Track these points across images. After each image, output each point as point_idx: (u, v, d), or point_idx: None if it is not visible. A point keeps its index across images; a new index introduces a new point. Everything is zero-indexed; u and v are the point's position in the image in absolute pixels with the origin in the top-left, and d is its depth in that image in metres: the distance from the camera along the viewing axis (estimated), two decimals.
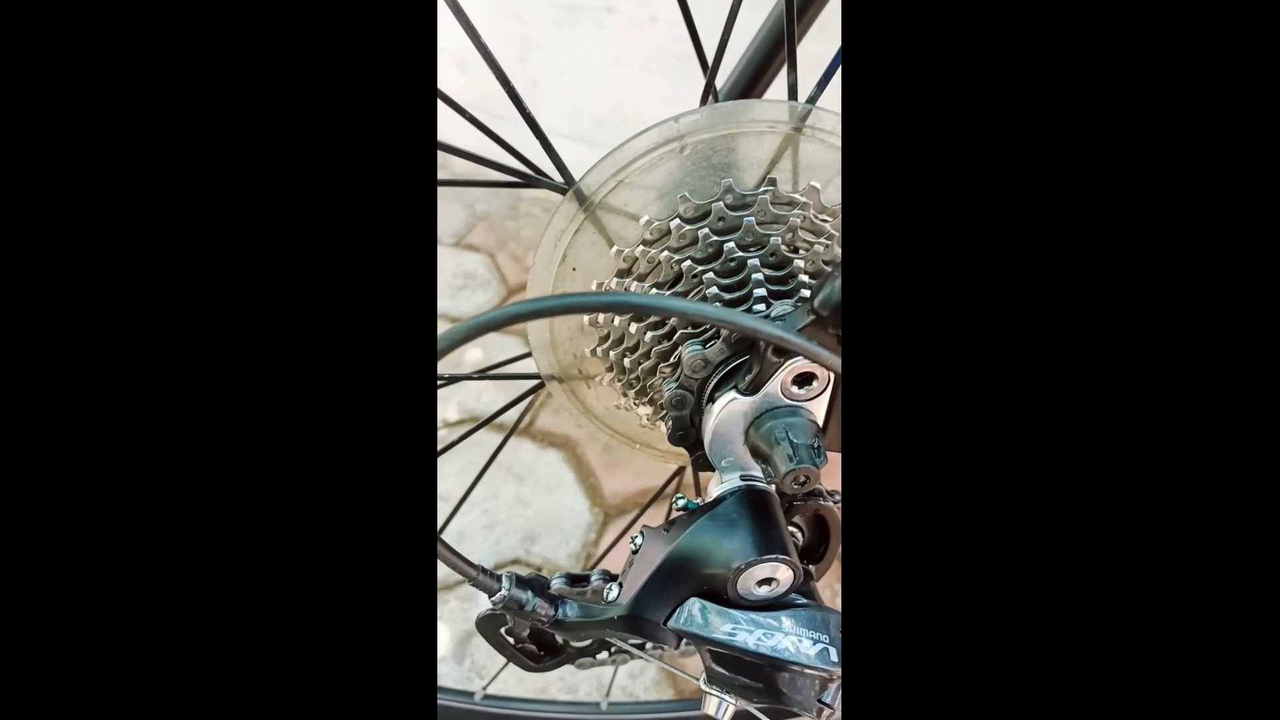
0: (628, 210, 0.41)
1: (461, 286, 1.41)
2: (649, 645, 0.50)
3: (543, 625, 0.38)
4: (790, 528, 0.43)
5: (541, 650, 0.48)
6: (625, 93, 1.34)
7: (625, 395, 0.46)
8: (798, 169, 0.41)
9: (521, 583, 0.38)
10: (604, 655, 0.51)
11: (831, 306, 0.32)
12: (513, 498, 1.04)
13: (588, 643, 0.46)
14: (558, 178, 0.42)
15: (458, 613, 0.92)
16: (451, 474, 1.09)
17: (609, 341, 0.43)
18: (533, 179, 0.44)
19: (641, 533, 0.40)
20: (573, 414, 0.49)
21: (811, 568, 0.45)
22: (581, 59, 1.33)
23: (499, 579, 0.37)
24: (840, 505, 0.43)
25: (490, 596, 0.37)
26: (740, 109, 0.39)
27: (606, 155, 0.40)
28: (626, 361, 0.42)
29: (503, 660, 0.91)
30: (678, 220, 0.40)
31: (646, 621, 0.36)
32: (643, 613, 0.36)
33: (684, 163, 0.40)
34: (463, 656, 0.88)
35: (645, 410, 0.46)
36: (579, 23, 1.31)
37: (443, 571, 0.97)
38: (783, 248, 0.39)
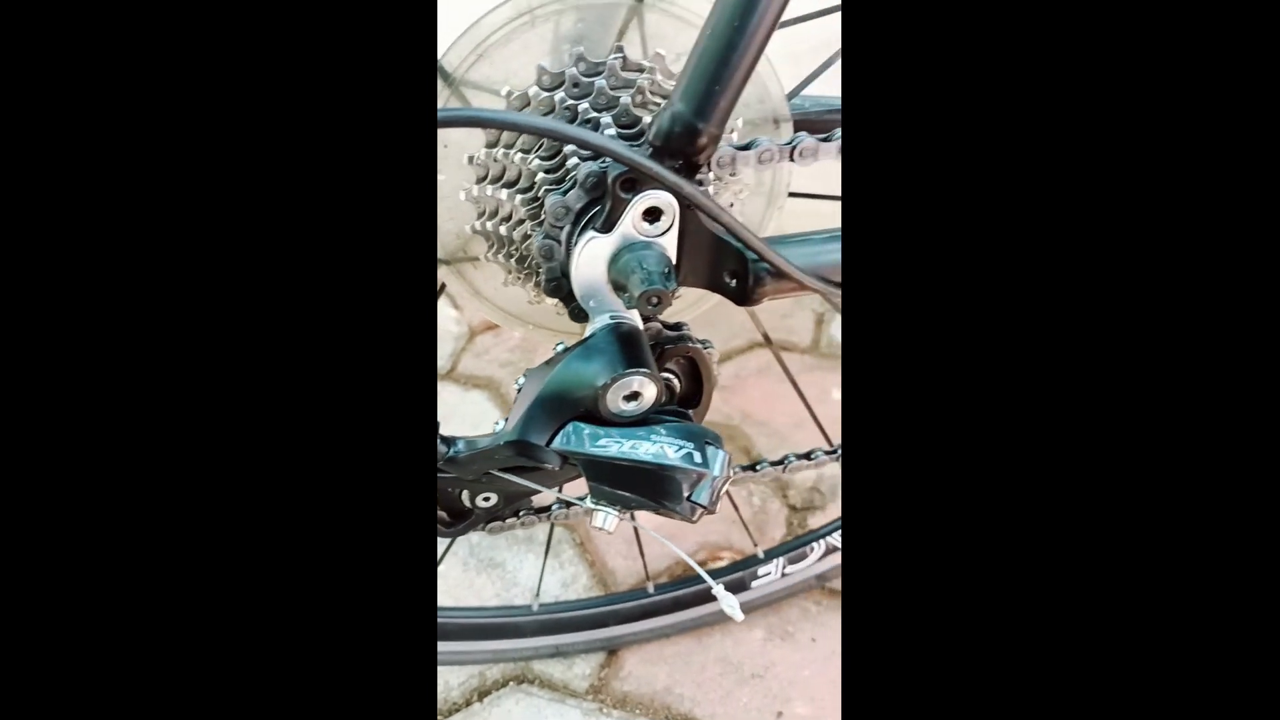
0: (489, 85, 0.44)
1: None
2: (559, 505, 0.54)
3: (439, 466, 0.42)
4: (666, 374, 0.48)
5: (451, 516, 0.51)
6: None
7: (510, 271, 0.49)
8: (645, 38, 0.45)
9: None
10: (513, 520, 0.55)
11: (662, 136, 0.37)
12: None
13: (493, 503, 0.50)
14: None
15: None
16: None
17: (485, 215, 0.46)
18: None
19: (525, 374, 0.44)
20: (461, 298, 0.52)
21: (689, 412, 0.50)
22: None
23: None
24: (710, 350, 0.48)
25: None
26: None
27: (463, 33, 0.42)
28: (503, 230, 0.46)
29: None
30: (535, 88, 0.43)
31: (531, 445, 0.40)
32: (527, 437, 0.40)
33: (538, 35, 0.43)
34: None
35: (529, 285, 0.49)
36: None
37: None
38: (633, 108, 0.43)
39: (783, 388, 0.99)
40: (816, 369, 1.14)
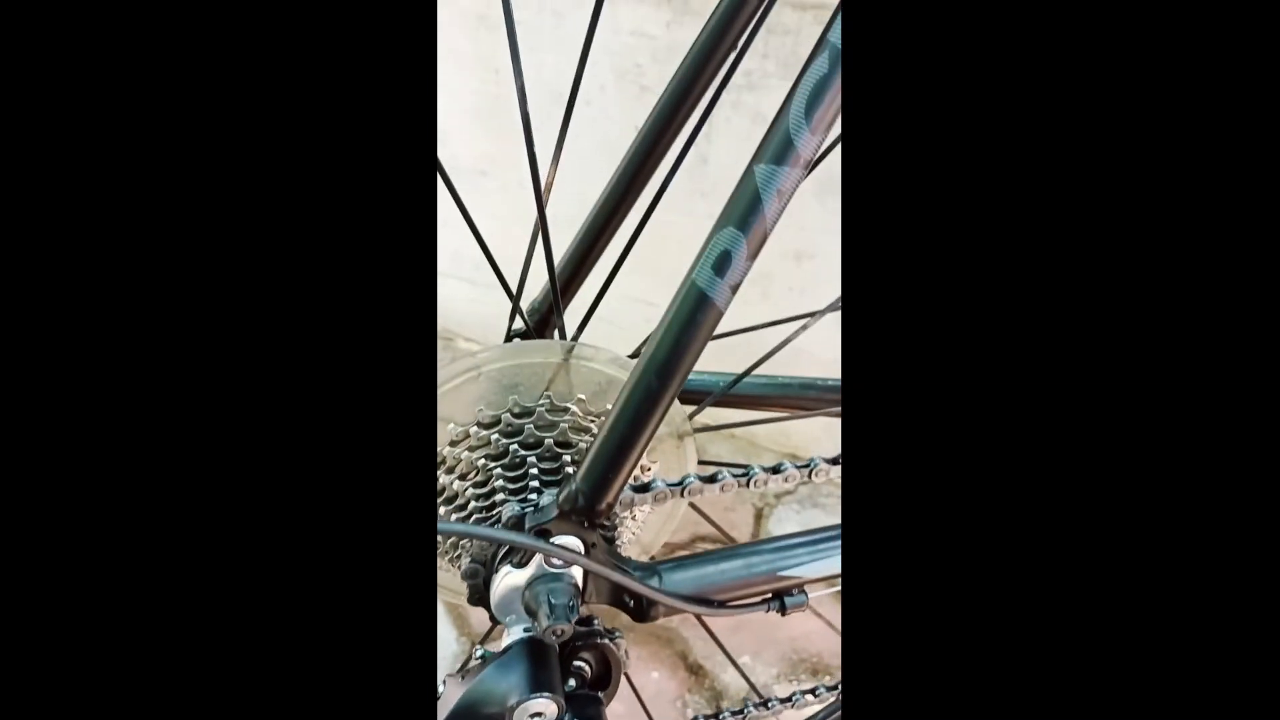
0: (440, 415, 0.53)
1: None
2: None
3: None
4: (579, 662, 0.54)
5: None
6: (499, 243, 1.52)
7: (444, 565, 0.56)
8: (571, 386, 0.55)
9: None
10: None
11: (568, 504, 0.45)
12: None
13: None
14: None
15: None
16: None
17: None
18: None
19: (444, 681, 0.49)
20: None
21: (600, 694, 0.56)
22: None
23: None
24: (618, 640, 0.55)
25: None
26: (522, 348, 0.53)
27: None
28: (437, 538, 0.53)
29: None
30: (475, 426, 0.52)
31: None
32: None
33: (482, 385, 0.53)
34: None
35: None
36: (456, 181, 1.50)
37: None
38: (555, 447, 0.53)
39: None
40: None
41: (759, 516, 1.30)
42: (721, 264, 0.40)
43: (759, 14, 0.56)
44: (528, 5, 1.23)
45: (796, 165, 0.39)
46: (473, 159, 1.47)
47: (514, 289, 0.60)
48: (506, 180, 1.46)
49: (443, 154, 1.46)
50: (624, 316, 1.05)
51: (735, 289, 0.41)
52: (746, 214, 0.39)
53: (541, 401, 0.53)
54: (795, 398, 0.68)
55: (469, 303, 1.63)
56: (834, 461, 0.52)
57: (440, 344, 1.67)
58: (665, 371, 0.42)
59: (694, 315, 0.41)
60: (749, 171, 0.39)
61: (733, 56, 0.57)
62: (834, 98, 0.37)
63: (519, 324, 0.63)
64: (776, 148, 0.39)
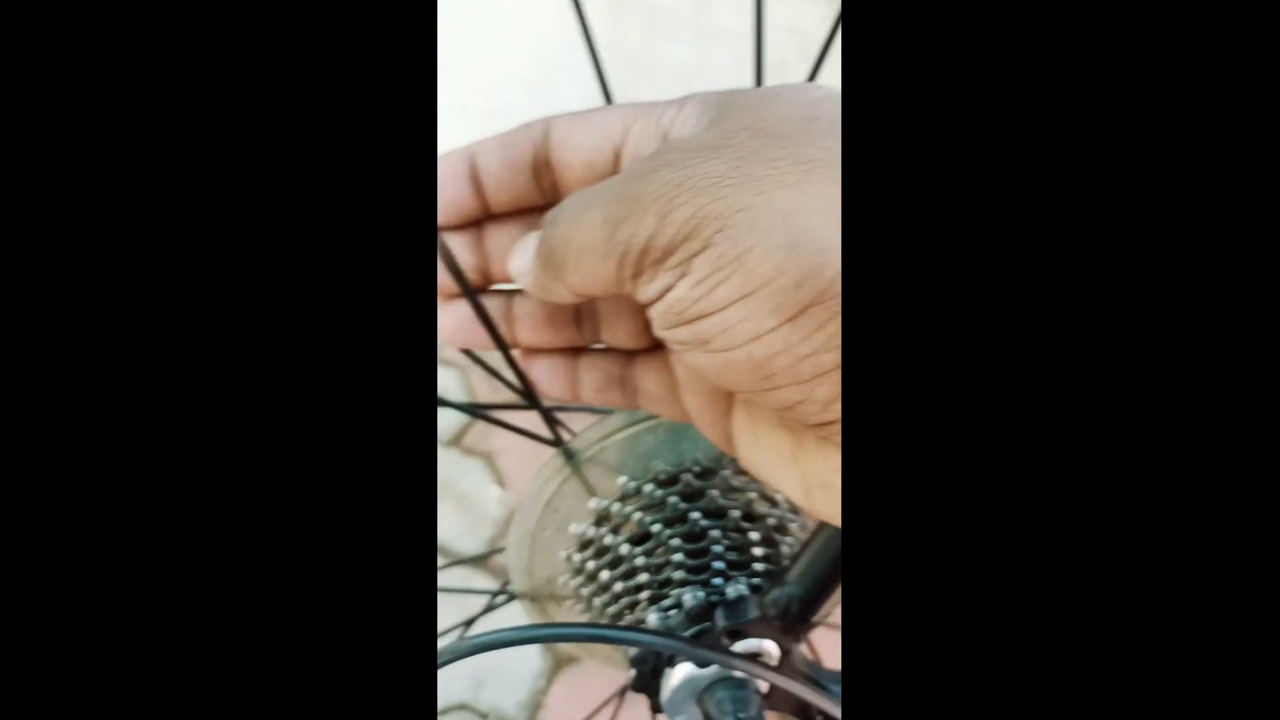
0: (610, 465, 0.47)
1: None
2: None
3: None
4: None
5: None
6: None
7: (579, 601, 0.50)
8: None
9: None
10: None
11: (776, 609, 0.38)
12: (457, 636, 1.04)
13: None
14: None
15: None
16: None
17: (587, 552, 0.48)
18: (534, 437, 0.49)
19: None
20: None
21: None
22: None
23: None
24: None
25: None
26: None
27: (592, 424, 0.46)
28: (598, 569, 0.47)
29: None
30: (651, 484, 0.45)
31: None
32: None
33: (659, 436, 0.46)
34: None
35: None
36: None
37: None
38: (740, 520, 0.45)
39: None
40: None
41: None
42: None
43: None
44: None
45: None
46: None
47: None
48: None
49: None
50: None
51: None
52: None
53: (726, 465, 0.46)
54: None
55: None
56: None
57: None
58: None
59: None
60: None
61: None
62: None
63: None
64: None
